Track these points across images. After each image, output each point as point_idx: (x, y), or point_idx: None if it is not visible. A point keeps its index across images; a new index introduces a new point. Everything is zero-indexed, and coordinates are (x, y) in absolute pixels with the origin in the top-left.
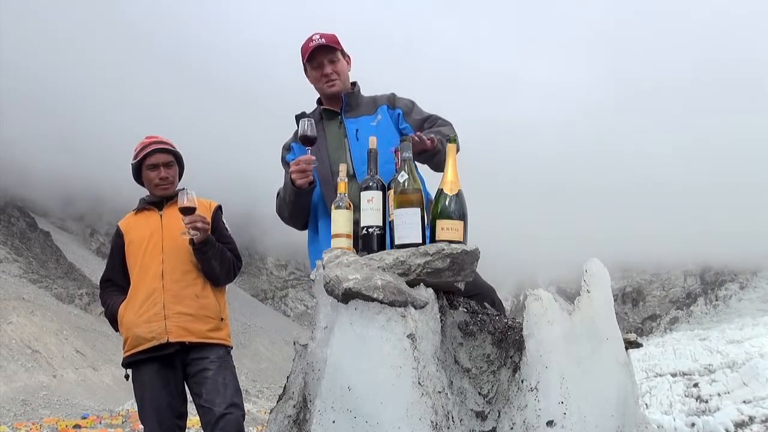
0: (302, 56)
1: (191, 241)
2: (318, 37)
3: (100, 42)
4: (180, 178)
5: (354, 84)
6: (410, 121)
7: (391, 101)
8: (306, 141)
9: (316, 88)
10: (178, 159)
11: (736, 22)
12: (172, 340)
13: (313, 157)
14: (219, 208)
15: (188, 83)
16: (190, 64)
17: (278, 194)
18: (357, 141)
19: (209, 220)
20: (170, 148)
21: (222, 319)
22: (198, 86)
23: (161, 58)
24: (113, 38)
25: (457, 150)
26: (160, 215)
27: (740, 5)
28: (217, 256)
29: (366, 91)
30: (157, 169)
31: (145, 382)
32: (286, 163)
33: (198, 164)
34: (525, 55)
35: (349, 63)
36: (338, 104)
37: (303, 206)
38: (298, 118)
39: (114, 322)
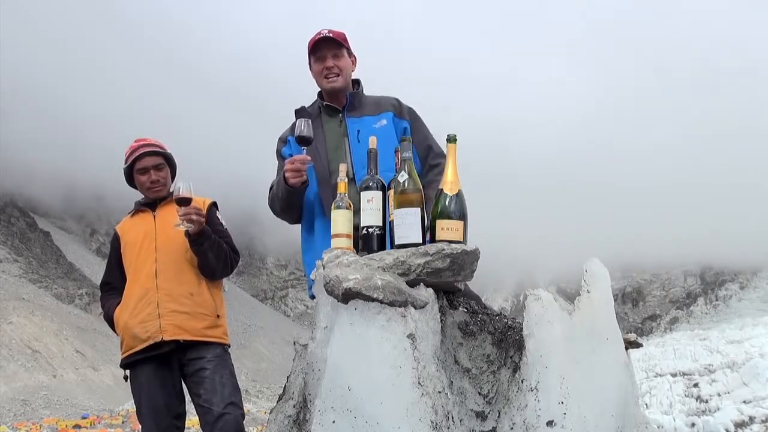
0: (308, 48)
1: (187, 233)
2: (326, 31)
3: (101, 42)
4: (173, 179)
5: (358, 83)
6: (415, 140)
7: (398, 110)
8: (302, 141)
9: (317, 83)
10: (169, 160)
11: (736, 18)
12: (166, 338)
13: (308, 157)
14: (213, 205)
15: (189, 84)
16: (192, 65)
17: (271, 187)
18: (358, 143)
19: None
20: (159, 150)
21: (218, 316)
22: (199, 87)
23: (163, 59)
24: (115, 39)
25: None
26: (154, 216)
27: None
28: (214, 248)
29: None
30: (147, 172)
31: (142, 382)
32: (281, 156)
33: (198, 164)
34: (525, 55)
35: (354, 63)
36: (340, 101)
37: (295, 203)
38: (298, 112)
39: (112, 325)
